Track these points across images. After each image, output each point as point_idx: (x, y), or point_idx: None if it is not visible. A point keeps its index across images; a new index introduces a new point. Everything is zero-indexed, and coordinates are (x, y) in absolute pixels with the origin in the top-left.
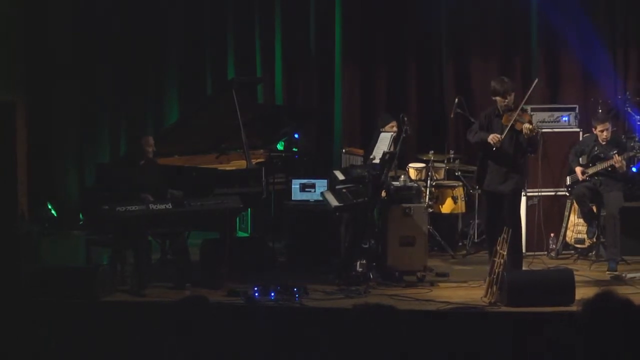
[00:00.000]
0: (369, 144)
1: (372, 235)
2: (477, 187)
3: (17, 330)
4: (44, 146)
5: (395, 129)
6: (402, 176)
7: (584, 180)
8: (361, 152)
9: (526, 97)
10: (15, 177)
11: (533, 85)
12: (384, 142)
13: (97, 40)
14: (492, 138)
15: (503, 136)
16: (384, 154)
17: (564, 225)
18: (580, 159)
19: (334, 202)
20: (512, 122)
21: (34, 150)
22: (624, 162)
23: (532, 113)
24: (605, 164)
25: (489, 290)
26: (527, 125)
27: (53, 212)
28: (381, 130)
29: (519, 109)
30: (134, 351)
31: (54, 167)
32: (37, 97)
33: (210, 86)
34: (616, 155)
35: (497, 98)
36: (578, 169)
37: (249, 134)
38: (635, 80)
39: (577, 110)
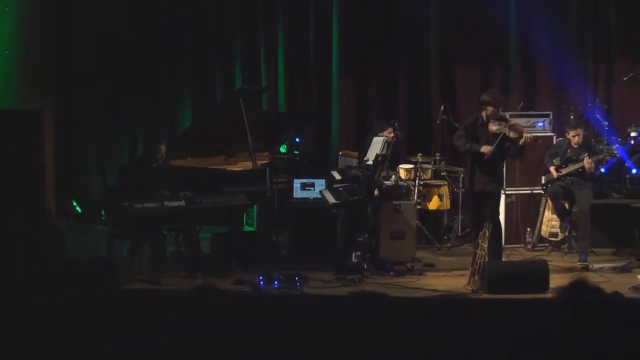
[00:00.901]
0: (363, 147)
1: (366, 229)
2: (468, 190)
3: (44, 317)
4: (69, 149)
5: (387, 134)
6: (393, 176)
7: (557, 180)
8: (356, 154)
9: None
10: (43, 177)
11: (509, 123)
12: (376, 146)
13: (117, 53)
14: (485, 149)
15: (494, 147)
16: (377, 156)
17: (539, 220)
18: (554, 160)
19: (331, 199)
20: (503, 131)
21: (60, 153)
22: (593, 164)
23: (511, 119)
24: (576, 166)
25: (472, 279)
26: (528, 136)
27: (78, 209)
28: (377, 134)
29: (507, 119)
30: (151, 334)
31: (79, 168)
32: (63, 105)
33: (220, 95)
34: (587, 157)
35: (490, 108)
36: (552, 169)
37: (254, 137)
38: (604, 89)
39: (551, 117)
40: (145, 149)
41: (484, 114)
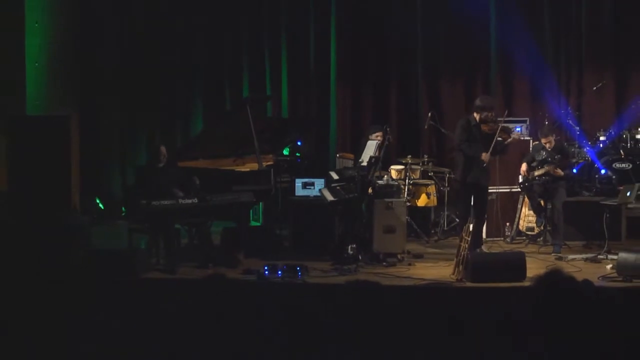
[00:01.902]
0: (358, 150)
1: (361, 224)
2: (461, 182)
3: (70, 304)
4: (93, 152)
5: (380, 138)
6: (385, 176)
7: (533, 179)
8: (352, 156)
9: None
10: (69, 177)
11: (504, 116)
12: (370, 148)
13: (138, 65)
14: (484, 157)
15: (490, 150)
16: (371, 158)
17: (517, 216)
18: (531, 163)
19: (329, 197)
20: (497, 132)
21: (84, 155)
22: (559, 170)
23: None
24: (547, 169)
25: (456, 269)
26: (514, 136)
27: (101, 205)
28: (371, 138)
29: (500, 123)
30: (166, 319)
31: (101, 169)
32: (88, 111)
33: (229, 102)
34: (552, 166)
35: (485, 112)
36: (524, 165)
37: (260, 141)
38: (576, 97)
39: (527, 122)
40: (148, 152)
41: (476, 116)
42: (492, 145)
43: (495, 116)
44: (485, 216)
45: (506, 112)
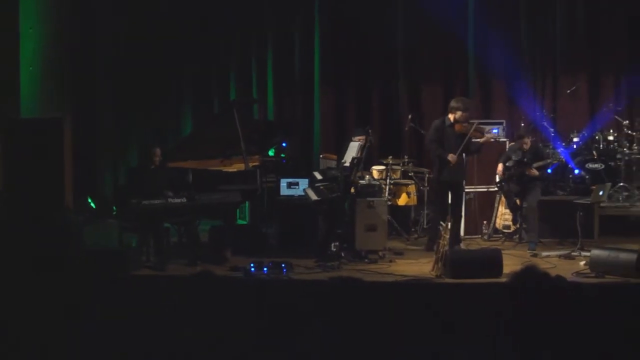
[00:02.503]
0: (341, 151)
1: (344, 222)
2: (436, 180)
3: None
4: (86, 153)
5: (362, 140)
6: (367, 176)
7: (509, 179)
8: (335, 157)
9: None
10: (62, 178)
11: (475, 125)
12: (353, 150)
13: (129, 70)
14: (451, 158)
15: (460, 148)
16: (353, 158)
17: (494, 214)
18: (508, 163)
19: (313, 196)
20: (470, 132)
21: (77, 156)
22: (535, 171)
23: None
24: (522, 169)
25: (436, 265)
26: (488, 136)
27: (93, 205)
28: (353, 140)
29: (474, 123)
30: (156, 314)
31: (94, 170)
32: (81, 114)
33: (217, 105)
34: (529, 167)
35: (459, 113)
36: (500, 165)
37: (247, 143)
38: (550, 101)
39: (504, 124)
40: (141, 153)
41: (451, 117)
42: (463, 145)
43: (470, 117)
44: (462, 213)
45: (476, 122)
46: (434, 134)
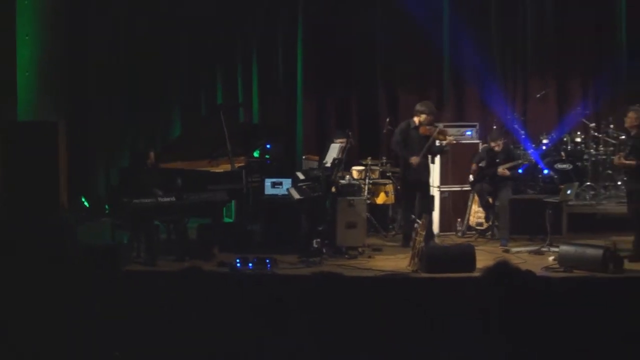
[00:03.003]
0: (323, 153)
1: (325, 220)
2: (402, 180)
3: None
4: (80, 154)
5: (343, 142)
6: (347, 176)
7: (482, 178)
8: (317, 158)
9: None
10: (57, 178)
11: (439, 128)
12: (334, 151)
13: (119, 76)
14: (413, 160)
15: (424, 150)
16: (334, 159)
17: (467, 212)
18: (481, 164)
19: (296, 195)
20: (434, 134)
21: (71, 158)
22: (507, 171)
23: (439, 125)
24: (494, 169)
25: (412, 261)
26: (450, 138)
27: (86, 204)
28: (334, 142)
29: (437, 127)
30: (147, 308)
31: (87, 170)
32: (75, 117)
33: (204, 109)
34: (501, 167)
35: (424, 116)
36: (473, 165)
37: (233, 144)
38: (521, 104)
39: (477, 127)
40: (135, 155)
41: (416, 120)
42: (427, 147)
43: (434, 121)
44: (432, 210)
45: (439, 126)
46: (399, 136)
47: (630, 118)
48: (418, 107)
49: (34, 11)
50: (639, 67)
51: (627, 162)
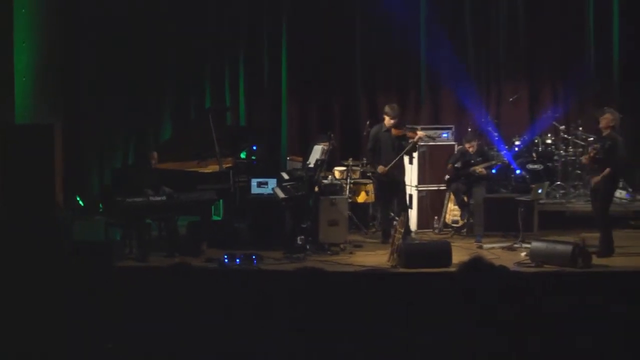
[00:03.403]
0: (306, 154)
1: (308, 218)
2: (378, 179)
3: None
4: (75, 155)
5: (326, 145)
6: (330, 176)
7: (457, 178)
8: (300, 159)
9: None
10: (53, 178)
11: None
12: (317, 152)
13: (114, 81)
14: (380, 169)
15: (403, 153)
16: (317, 160)
17: (444, 210)
18: (456, 164)
19: (281, 194)
20: (408, 134)
21: (67, 159)
22: (484, 170)
23: (409, 126)
24: (469, 169)
25: (391, 256)
26: (421, 133)
27: (81, 203)
28: (317, 143)
29: (406, 126)
30: (139, 302)
31: (82, 170)
32: (70, 119)
33: (193, 112)
34: (479, 167)
35: (387, 118)
36: (450, 166)
37: (220, 146)
38: (495, 107)
39: (453, 129)
40: (141, 155)
41: (386, 122)
42: (407, 149)
43: (399, 122)
44: (408, 207)
45: (419, 133)
46: (371, 143)
47: (606, 119)
48: (387, 109)
49: (30, 19)
50: (606, 71)
51: (593, 156)
